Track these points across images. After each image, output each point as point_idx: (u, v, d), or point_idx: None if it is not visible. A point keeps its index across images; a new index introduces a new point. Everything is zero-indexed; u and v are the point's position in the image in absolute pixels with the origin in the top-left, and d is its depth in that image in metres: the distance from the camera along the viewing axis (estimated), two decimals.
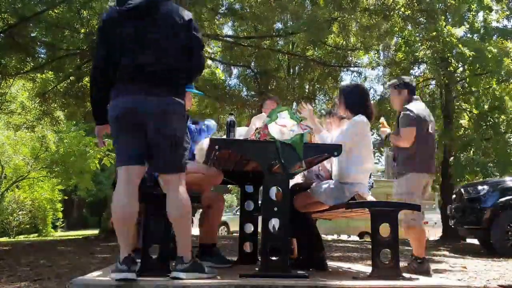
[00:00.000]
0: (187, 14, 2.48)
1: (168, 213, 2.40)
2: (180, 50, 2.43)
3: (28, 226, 17.34)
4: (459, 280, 3.64)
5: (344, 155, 2.90)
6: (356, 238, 14.01)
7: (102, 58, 2.44)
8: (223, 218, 16.20)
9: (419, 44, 11.07)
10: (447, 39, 9.77)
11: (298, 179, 3.74)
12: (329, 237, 12.70)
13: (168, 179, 2.42)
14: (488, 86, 11.38)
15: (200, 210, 3.45)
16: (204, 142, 3.06)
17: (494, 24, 12.39)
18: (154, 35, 2.38)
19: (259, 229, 2.88)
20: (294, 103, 13.16)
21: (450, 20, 11.25)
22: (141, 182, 3.07)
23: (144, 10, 2.37)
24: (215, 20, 10.33)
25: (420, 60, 11.55)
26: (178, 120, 2.40)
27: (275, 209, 2.60)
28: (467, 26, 11.29)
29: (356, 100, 3.20)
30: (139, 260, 2.44)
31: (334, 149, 2.77)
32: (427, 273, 3.51)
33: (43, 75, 9.46)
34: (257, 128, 2.89)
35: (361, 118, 3.08)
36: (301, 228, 3.21)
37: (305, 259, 3.20)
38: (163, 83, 2.38)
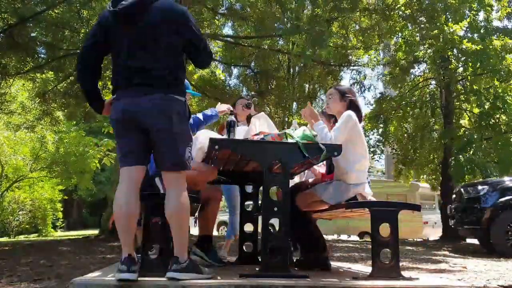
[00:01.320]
0: (181, 9, 2.45)
1: (165, 211, 2.38)
2: (176, 47, 2.42)
3: (28, 226, 17.34)
4: (459, 280, 3.64)
5: (345, 154, 2.93)
6: (356, 238, 14.01)
7: (87, 48, 2.46)
8: (223, 218, 16.23)
9: (419, 44, 11.06)
10: (449, 36, 9.76)
11: (296, 179, 3.74)
12: (329, 237, 12.71)
13: (167, 176, 2.42)
14: (488, 86, 11.38)
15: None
16: (199, 138, 3.06)
17: (495, 23, 12.41)
18: (148, 35, 2.35)
19: (259, 229, 2.88)
20: (294, 103, 13.17)
21: (450, 19, 11.25)
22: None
23: (135, 10, 2.33)
24: (215, 20, 10.33)
25: (420, 60, 11.55)
26: (176, 117, 2.38)
27: (275, 209, 2.61)
28: (467, 24, 11.27)
29: (351, 100, 3.21)
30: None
31: (334, 149, 2.77)
32: None
33: (43, 75, 9.45)
34: (260, 133, 2.92)
35: (351, 112, 3.08)
36: (303, 228, 3.21)
37: (309, 259, 3.19)
38: (160, 82, 2.36)
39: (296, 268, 3.15)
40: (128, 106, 2.34)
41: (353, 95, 3.26)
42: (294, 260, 3.52)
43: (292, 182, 3.37)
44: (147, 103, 2.32)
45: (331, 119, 3.50)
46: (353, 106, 3.19)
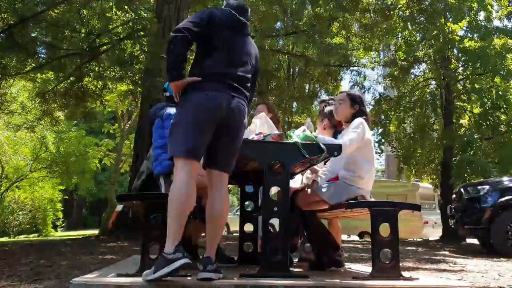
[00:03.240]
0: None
1: (206, 210, 2.41)
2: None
3: (28, 226, 17.34)
4: (459, 280, 3.64)
5: (354, 158, 2.95)
6: (356, 238, 14.01)
7: (192, 32, 2.40)
8: None
9: (419, 44, 11.07)
10: (449, 36, 9.77)
11: (298, 179, 3.74)
12: None
13: (213, 175, 2.46)
14: (489, 86, 11.38)
15: None
16: None
17: (495, 22, 12.41)
18: (245, 49, 2.56)
19: (259, 229, 2.88)
20: (294, 103, 13.17)
21: (451, 19, 11.25)
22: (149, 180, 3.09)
23: (243, 24, 2.57)
24: None
25: (420, 60, 11.55)
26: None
27: (275, 209, 2.61)
28: (468, 24, 11.28)
29: (361, 106, 3.23)
30: None
31: (334, 150, 2.77)
32: None
33: (43, 75, 9.46)
34: (262, 133, 2.92)
35: (363, 120, 3.10)
36: (312, 229, 3.22)
37: (323, 259, 3.18)
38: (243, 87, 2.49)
39: (299, 270, 3.14)
40: (217, 100, 2.38)
41: (363, 103, 3.27)
42: (295, 261, 3.52)
43: (292, 182, 3.37)
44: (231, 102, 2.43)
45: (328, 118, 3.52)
46: (362, 114, 3.20)
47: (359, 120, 3.09)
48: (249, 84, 2.56)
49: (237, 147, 2.50)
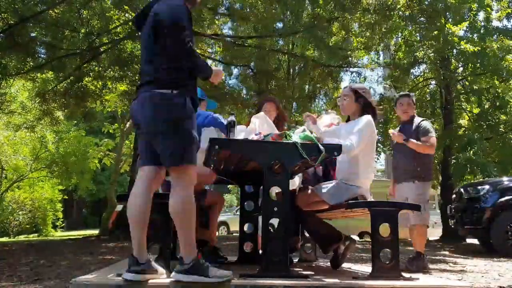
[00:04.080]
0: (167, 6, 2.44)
1: (169, 208, 2.32)
2: (161, 45, 2.40)
3: (28, 226, 17.34)
4: (459, 280, 3.64)
5: (355, 157, 2.95)
6: (356, 238, 14.01)
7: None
8: (223, 218, 16.22)
9: (419, 44, 11.06)
10: (449, 37, 9.76)
11: (296, 180, 3.74)
12: None
13: (170, 172, 2.38)
14: (488, 86, 11.38)
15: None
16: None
17: (494, 23, 12.41)
18: (144, 36, 2.50)
19: (259, 229, 2.88)
20: (294, 103, 13.16)
21: (450, 20, 11.24)
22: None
23: (144, 14, 2.52)
24: (215, 20, 10.32)
25: (420, 60, 11.54)
26: (161, 110, 2.32)
27: (275, 209, 2.60)
28: (467, 25, 11.27)
29: (366, 98, 3.20)
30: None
31: (334, 150, 2.77)
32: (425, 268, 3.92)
33: (43, 75, 9.45)
34: (262, 134, 2.91)
35: (370, 117, 3.08)
36: (314, 228, 3.20)
37: (335, 251, 3.16)
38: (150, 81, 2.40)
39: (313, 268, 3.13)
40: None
41: (368, 95, 3.24)
42: (295, 261, 3.51)
43: (292, 182, 3.37)
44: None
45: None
46: (368, 107, 3.17)
47: (366, 119, 3.07)
48: (150, 66, 2.42)
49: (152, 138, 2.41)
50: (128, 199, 2.37)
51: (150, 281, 2.27)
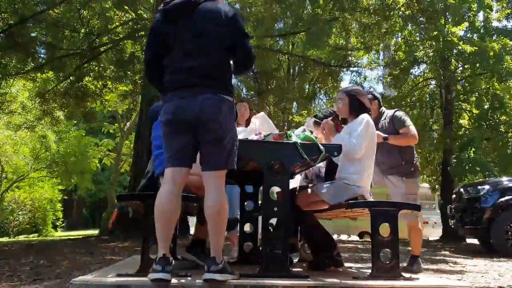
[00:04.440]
0: (229, 10, 2.43)
1: (205, 211, 2.34)
2: (218, 46, 2.38)
3: (28, 226, 17.34)
4: (459, 280, 3.64)
5: (357, 158, 2.96)
6: (356, 238, 14.01)
7: (148, 60, 2.46)
8: None
9: (419, 44, 11.07)
10: (448, 38, 9.77)
11: (297, 179, 3.74)
12: None
13: (212, 175, 2.36)
14: (488, 86, 11.38)
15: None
16: None
17: (494, 23, 12.41)
18: (193, 35, 2.35)
19: (259, 229, 2.88)
20: (294, 103, 13.17)
21: (450, 20, 11.25)
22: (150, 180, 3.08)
23: (181, 10, 2.36)
24: None
25: (420, 60, 11.54)
26: (223, 118, 2.33)
27: (275, 209, 2.60)
28: (467, 25, 11.28)
29: (361, 100, 3.21)
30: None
31: (334, 150, 2.77)
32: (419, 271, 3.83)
33: (43, 75, 9.46)
34: (262, 133, 2.92)
35: (368, 117, 3.09)
36: (312, 230, 3.21)
37: (322, 259, 3.18)
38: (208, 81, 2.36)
39: (299, 270, 3.14)
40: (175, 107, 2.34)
41: (362, 96, 3.25)
42: (295, 261, 3.51)
43: (291, 183, 3.37)
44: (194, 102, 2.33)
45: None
46: (363, 107, 3.19)
47: (365, 118, 3.08)
48: (215, 69, 2.38)
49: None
50: (162, 201, 2.30)
51: (148, 280, 2.27)
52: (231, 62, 2.47)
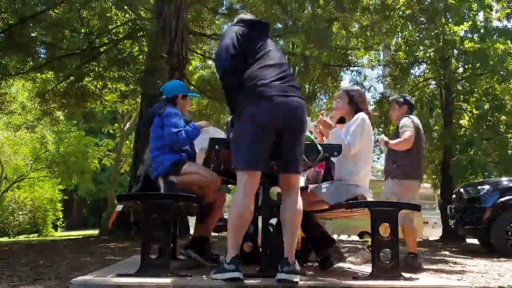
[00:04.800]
0: None
1: (282, 213, 2.42)
2: None
3: (28, 226, 17.35)
4: (459, 280, 3.64)
5: (352, 156, 2.95)
6: (356, 238, 14.01)
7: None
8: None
9: (419, 44, 11.07)
10: (449, 37, 9.77)
11: (301, 180, 3.74)
12: None
13: (291, 179, 2.45)
14: (488, 86, 11.38)
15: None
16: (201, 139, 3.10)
17: (494, 23, 12.42)
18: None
19: (259, 229, 2.88)
20: None
21: (450, 20, 11.25)
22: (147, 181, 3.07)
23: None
24: (215, 20, 10.33)
25: (420, 60, 11.55)
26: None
27: (275, 209, 2.60)
28: (468, 25, 11.28)
29: (360, 101, 3.23)
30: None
31: (334, 149, 2.77)
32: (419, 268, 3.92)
33: (43, 75, 9.45)
34: None
35: (364, 116, 3.10)
36: (314, 230, 3.21)
37: (325, 258, 3.17)
38: None
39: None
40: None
41: (362, 97, 3.27)
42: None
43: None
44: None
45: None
46: (362, 108, 3.20)
47: (361, 117, 3.10)
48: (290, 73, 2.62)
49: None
50: (241, 205, 2.33)
51: (148, 280, 2.27)
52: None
